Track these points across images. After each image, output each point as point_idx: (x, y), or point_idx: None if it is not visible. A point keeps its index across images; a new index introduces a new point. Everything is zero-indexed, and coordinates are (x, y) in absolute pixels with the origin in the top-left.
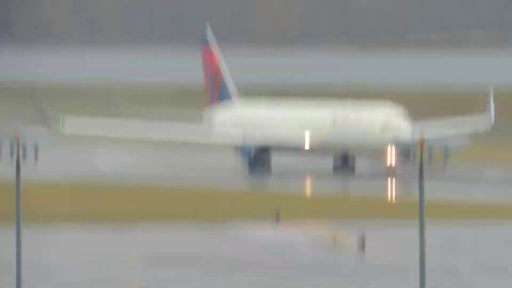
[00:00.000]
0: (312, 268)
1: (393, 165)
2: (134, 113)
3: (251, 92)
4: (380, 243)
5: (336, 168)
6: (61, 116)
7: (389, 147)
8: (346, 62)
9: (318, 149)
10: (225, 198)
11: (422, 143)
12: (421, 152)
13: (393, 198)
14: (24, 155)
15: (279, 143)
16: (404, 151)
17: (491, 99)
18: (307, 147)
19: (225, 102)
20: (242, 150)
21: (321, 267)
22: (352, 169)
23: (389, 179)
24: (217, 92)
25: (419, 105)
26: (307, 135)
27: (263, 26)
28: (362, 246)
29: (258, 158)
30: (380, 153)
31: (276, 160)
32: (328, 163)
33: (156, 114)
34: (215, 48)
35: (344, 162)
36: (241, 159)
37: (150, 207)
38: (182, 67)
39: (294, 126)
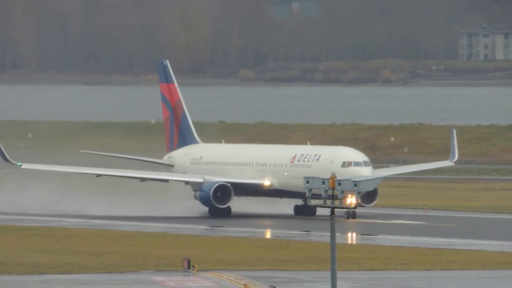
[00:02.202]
0: None
1: (354, 206)
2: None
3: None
4: None
5: (297, 209)
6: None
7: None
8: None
9: (278, 190)
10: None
11: (333, 180)
12: (332, 187)
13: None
14: None
15: (239, 182)
16: (365, 193)
17: (455, 138)
18: (267, 187)
19: (185, 141)
20: (202, 189)
21: None
22: (313, 210)
23: (349, 220)
24: (177, 131)
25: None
26: (267, 175)
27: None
28: None
29: (218, 198)
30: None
31: (236, 201)
32: (289, 204)
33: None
34: (175, 85)
35: (305, 203)
36: (200, 199)
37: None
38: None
39: (254, 167)
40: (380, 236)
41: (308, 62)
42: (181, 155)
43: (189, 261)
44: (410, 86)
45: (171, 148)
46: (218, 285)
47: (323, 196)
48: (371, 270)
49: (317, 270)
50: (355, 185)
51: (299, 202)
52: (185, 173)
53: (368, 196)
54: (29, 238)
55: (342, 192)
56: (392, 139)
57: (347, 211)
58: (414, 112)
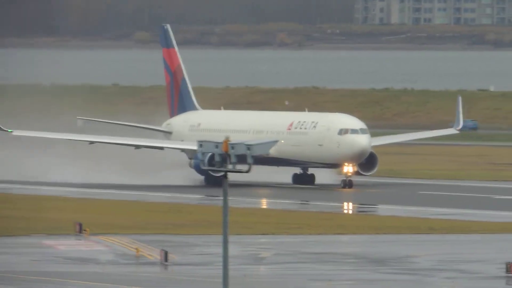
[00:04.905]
0: (112, 277)
1: (351, 174)
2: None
3: None
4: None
5: (295, 178)
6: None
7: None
8: None
9: (276, 158)
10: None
11: (226, 144)
12: (225, 151)
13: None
14: None
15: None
16: (363, 161)
17: (460, 105)
18: (264, 155)
19: (185, 108)
20: (197, 157)
21: (120, 276)
22: (312, 179)
23: (346, 189)
24: (177, 97)
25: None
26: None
27: None
28: (165, 258)
29: (213, 166)
30: (338, 162)
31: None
32: (288, 172)
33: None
34: (175, 50)
35: (304, 171)
36: (195, 167)
37: None
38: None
39: (252, 134)
40: (273, 201)
41: (204, 25)
42: (179, 122)
43: (80, 225)
44: (305, 49)
45: (172, 114)
46: (110, 249)
47: (215, 160)
48: (263, 234)
49: (208, 234)
50: (248, 148)
51: (298, 170)
52: (183, 140)
53: (366, 165)
54: None
55: (236, 155)
56: (287, 102)
57: (343, 180)
58: (308, 76)
